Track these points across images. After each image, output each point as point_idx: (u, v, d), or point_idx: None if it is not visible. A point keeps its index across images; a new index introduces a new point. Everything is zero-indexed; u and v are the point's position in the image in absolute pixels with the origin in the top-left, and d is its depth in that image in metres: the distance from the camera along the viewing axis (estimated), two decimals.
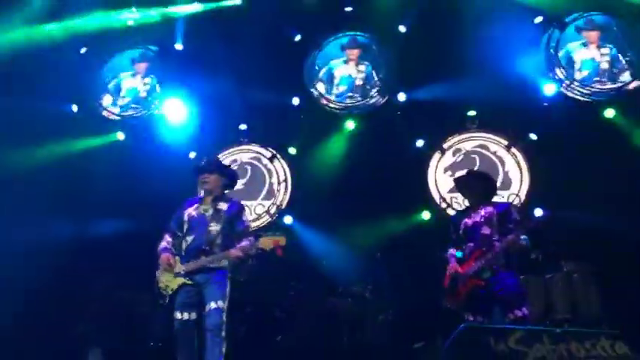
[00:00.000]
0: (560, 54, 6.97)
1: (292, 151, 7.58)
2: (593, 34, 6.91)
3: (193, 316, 4.21)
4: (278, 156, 7.58)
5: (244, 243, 4.26)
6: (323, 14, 7.74)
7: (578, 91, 6.85)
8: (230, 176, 4.59)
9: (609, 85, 6.72)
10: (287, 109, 7.59)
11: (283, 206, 7.39)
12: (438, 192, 7.00)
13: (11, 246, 6.06)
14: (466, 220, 4.54)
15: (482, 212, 4.49)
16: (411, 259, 6.53)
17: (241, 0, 7.81)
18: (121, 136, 7.77)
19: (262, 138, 7.70)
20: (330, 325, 6.10)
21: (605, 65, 6.80)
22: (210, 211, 4.31)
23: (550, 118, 6.79)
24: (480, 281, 4.25)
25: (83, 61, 7.97)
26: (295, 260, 6.82)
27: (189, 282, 4.20)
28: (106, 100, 7.97)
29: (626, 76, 6.69)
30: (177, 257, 4.28)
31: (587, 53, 6.91)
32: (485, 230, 4.38)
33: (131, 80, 8.04)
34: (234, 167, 7.60)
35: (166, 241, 4.38)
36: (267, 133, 7.68)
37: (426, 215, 6.93)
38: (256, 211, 7.42)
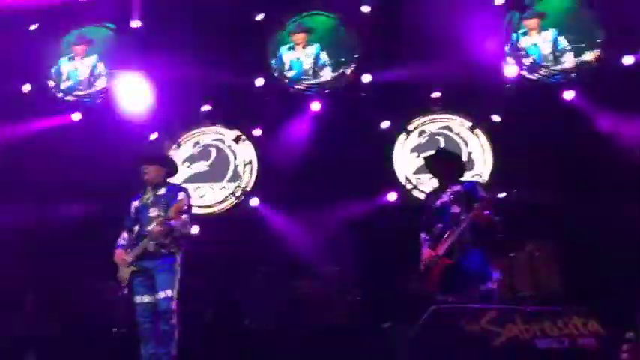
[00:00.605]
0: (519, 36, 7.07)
1: (257, 132, 7.45)
2: (533, 22, 7.00)
3: (152, 299, 4.40)
4: (243, 137, 7.44)
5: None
6: None
7: (538, 73, 6.97)
8: (170, 165, 4.80)
9: (564, 66, 6.85)
10: (251, 90, 7.44)
11: (249, 188, 7.29)
12: (404, 173, 7.04)
13: None
14: (436, 201, 4.57)
15: (450, 192, 4.53)
16: (377, 240, 6.58)
17: None
18: (76, 116, 7.46)
19: (226, 119, 7.53)
20: (297, 307, 6.11)
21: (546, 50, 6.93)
22: (151, 199, 4.52)
23: (512, 100, 6.90)
24: (450, 260, 4.29)
25: (34, 38, 7.57)
26: (261, 242, 6.80)
27: (136, 268, 4.42)
28: (51, 83, 7.62)
29: (568, 58, 6.81)
30: (128, 250, 4.51)
31: (530, 40, 7.01)
32: (455, 209, 4.43)
33: (71, 63, 7.69)
34: (198, 149, 7.46)
35: (122, 238, 4.62)
36: (231, 114, 7.52)
37: (392, 197, 6.97)
38: (221, 194, 7.29)
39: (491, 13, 7.13)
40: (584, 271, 5.66)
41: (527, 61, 6.97)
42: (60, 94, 7.66)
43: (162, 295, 4.34)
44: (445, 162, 4.76)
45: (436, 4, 6.94)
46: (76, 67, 7.73)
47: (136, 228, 4.51)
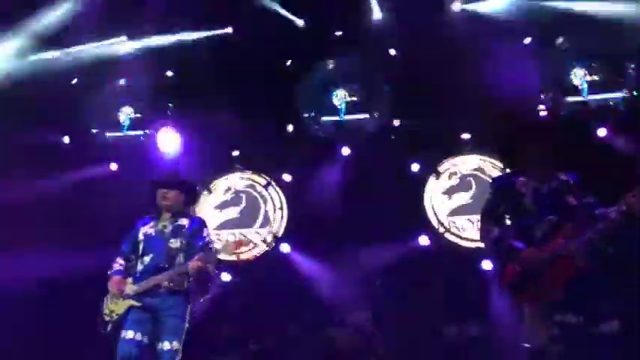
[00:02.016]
0: (551, 74, 7.00)
1: (287, 177, 7.49)
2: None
3: (146, 340, 3.71)
4: (273, 183, 7.49)
5: (201, 254, 3.88)
6: (314, 40, 7.74)
7: (572, 109, 6.86)
8: (191, 191, 4.26)
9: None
10: (280, 136, 7.53)
11: (280, 234, 7.28)
12: (436, 216, 6.92)
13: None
14: (533, 184, 3.45)
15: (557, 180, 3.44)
16: (410, 285, 6.43)
17: (232, 28, 7.81)
18: (113, 166, 7.68)
19: (256, 165, 7.61)
20: (328, 356, 5.96)
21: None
22: (170, 228, 3.97)
23: (545, 139, 6.74)
24: (584, 264, 3.11)
25: (75, 91, 7.91)
26: (293, 289, 6.72)
27: (138, 303, 3.73)
28: (98, 130, 7.88)
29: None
30: (129, 279, 3.86)
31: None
32: (571, 200, 3.34)
33: (121, 111, 7.98)
34: (229, 195, 7.53)
35: (118, 263, 3.98)
36: (261, 160, 7.60)
37: (424, 240, 6.84)
38: (252, 240, 7.29)
39: (520, 50, 7.11)
40: None
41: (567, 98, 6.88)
42: (106, 139, 7.88)
43: (167, 345, 3.64)
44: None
45: (465, 44, 6.96)
46: (126, 115, 8.00)
47: (147, 258, 3.87)
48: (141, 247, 3.95)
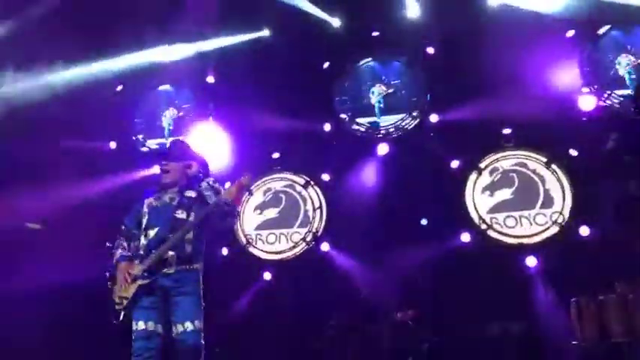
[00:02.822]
0: (596, 66, 6.80)
1: (326, 177, 7.54)
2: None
3: (160, 329, 3.37)
4: (312, 183, 7.55)
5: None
6: (350, 40, 7.77)
7: (617, 102, 6.64)
8: (200, 164, 3.80)
9: None
10: (318, 136, 7.59)
11: (319, 233, 7.32)
12: (477, 213, 6.81)
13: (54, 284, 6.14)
14: None
15: None
16: (452, 282, 6.35)
17: (269, 31, 7.94)
18: (157, 169, 7.87)
19: (295, 165, 7.68)
20: (371, 354, 5.94)
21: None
22: (177, 199, 3.61)
23: (590, 132, 6.58)
24: None
25: (120, 98, 8.20)
26: (333, 288, 6.74)
27: (147, 280, 3.36)
28: (142, 135, 8.15)
29: None
30: (136, 261, 3.49)
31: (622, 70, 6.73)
32: None
33: (165, 115, 8.22)
34: (269, 196, 7.62)
35: (121, 247, 3.57)
36: (300, 160, 7.66)
37: (466, 237, 6.74)
38: (293, 239, 7.37)
39: (561, 43, 6.94)
40: None
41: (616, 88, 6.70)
42: (144, 149, 8.14)
43: (189, 326, 3.30)
44: None
45: (503, 38, 6.83)
46: (169, 120, 8.25)
47: (152, 231, 3.50)
48: (145, 220, 3.59)
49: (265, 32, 7.93)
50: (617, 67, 6.80)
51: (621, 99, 6.67)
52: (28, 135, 6.90)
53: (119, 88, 8.23)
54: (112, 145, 8.14)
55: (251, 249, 7.39)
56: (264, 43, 7.92)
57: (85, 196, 7.21)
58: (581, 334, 5.25)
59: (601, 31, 6.90)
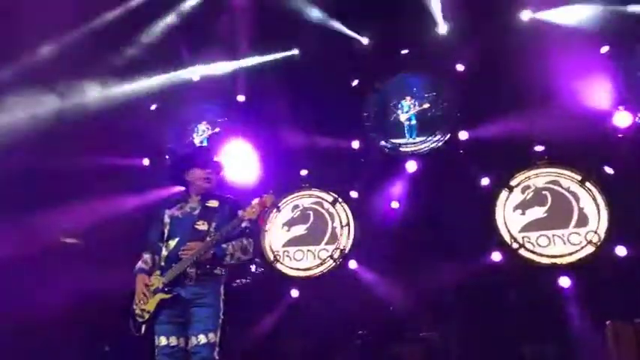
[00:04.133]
0: (631, 82, 6.64)
1: (354, 194, 7.52)
2: None
3: (182, 343, 3.34)
4: (340, 200, 7.54)
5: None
6: (379, 58, 7.80)
7: None
8: (220, 172, 3.87)
9: None
10: (347, 153, 7.60)
11: (347, 250, 7.28)
12: (509, 232, 6.66)
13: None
14: None
15: None
16: (483, 303, 6.20)
17: (299, 50, 8.05)
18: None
19: (323, 182, 7.70)
20: None
21: None
22: (198, 209, 3.59)
23: (626, 149, 6.39)
24: None
25: (154, 116, 8.41)
26: (360, 305, 6.67)
27: (168, 295, 3.34)
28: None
29: None
30: (157, 272, 3.47)
31: None
32: None
33: (197, 132, 8.39)
34: (297, 213, 7.64)
35: (142, 260, 3.58)
36: (328, 177, 7.68)
37: (496, 257, 6.59)
38: (320, 256, 7.35)
39: (594, 59, 6.79)
40: None
41: None
42: None
43: (202, 339, 3.27)
44: None
45: (534, 54, 6.74)
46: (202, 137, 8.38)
47: (173, 242, 3.48)
48: (166, 230, 3.57)
49: (295, 51, 8.05)
50: None
51: None
52: (66, 151, 7.13)
53: (153, 107, 8.44)
54: (145, 161, 8.32)
55: (278, 265, 7.40)
56: (294, 62, 8.04)
57: (120, 211, 7.38)
58: (618, 359, 5.04)
59: (636, 46, 6.71)
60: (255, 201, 3.53)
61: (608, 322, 5.14)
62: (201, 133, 8.41)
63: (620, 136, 6.56)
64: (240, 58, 8.10)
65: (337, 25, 7.65)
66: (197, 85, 8.30)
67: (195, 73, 8.28)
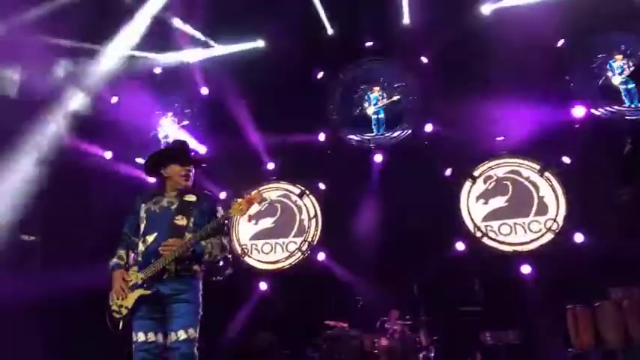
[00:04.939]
0: (586, 75, 6.89)
1: (321, 186, 7.55)
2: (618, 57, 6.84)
3: (160, 338, 3.30)
4: (307, 192, 7.56)
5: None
6: (344, 49, 7.82)
7: (608, 112, 6.72)
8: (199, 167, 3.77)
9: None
10: (313, 146, 7.61)
11: (315, 242, 7.32)
12: (472, 221, 6.84)
13: None
14: None
15: None
16: (447, 290, 6.36)
17: (264, 42, 7.98)
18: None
19: (290, 175, 7.70)
20: None
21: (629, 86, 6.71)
22: (176, 204, 3.49)
23: (582, 140, 6.64)
24: None
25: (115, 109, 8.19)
26: (329, 297, 6.73)
27: (149, 291, 3.28)
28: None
29: None
30: (134, 268, 3.40)
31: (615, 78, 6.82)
32: None
33: (160, 125, 8.24)
34: (264, 205, 7.61)
35: (117, 256, 3.48)
36: (295, 170, 7.68)
37: (460, 246, 6.76)
38: (288, 249, 7.37)
39: (553, 54, 7.00)
40: None
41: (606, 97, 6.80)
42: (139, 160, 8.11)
43: (182, 335, 3.21)
44: None
45: (497, 48, 6.89)
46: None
47: (150, 237, 3.38)
48: (143, 225, 3.46)
49: (259, 43, 7.98)
50: (608, 74, 6.87)
51: (613, 109, 6.72)
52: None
53: (114, 99, 8.22)
54: (108, 155, 8.12)
55: (246, 258, 7.38)
56: (259, 53, 7.96)
57: (84, 205, 7.19)
58: (577, 341, 5.27)
59: (589, 39, 6.96)
60: (243, 198, 3.43)
61: (567, 307, 5.36)
62: (165, 128, 8.26)
63: (576, 126, 6.79)
64: (205, 49, 7.97)
65: (303, 18, 7.60)
66: (159, 76, 8.12)
67: (157, 64, 8.10)
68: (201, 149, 7.72)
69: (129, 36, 7.55)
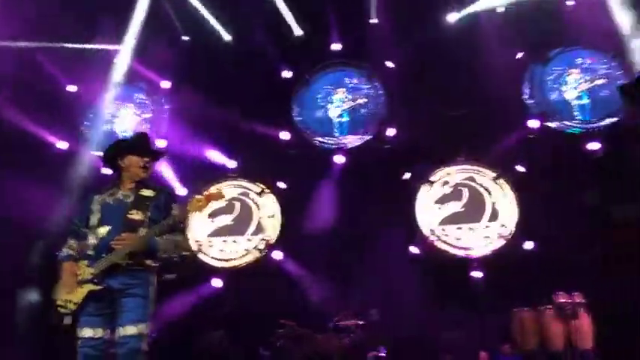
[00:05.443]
0: (543, 89, 7.11)
1: (282, 185, 7.54)
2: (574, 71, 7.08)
3: (107, 334, 3.21)
4: (267, 190, 7.53)
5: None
6: (311, 50, 7.85)
7: (562, 125, 6.97)
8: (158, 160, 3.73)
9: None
10: (276, 144, 7.60)
11: (272, 241, 7.30)
12: (428, 225, 6.95)
13: None
14: None
15: None
16: (401, 292, 6.45)
17: (231, 36, 7.92)
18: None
19: (251, 173, 7.66)
20: None
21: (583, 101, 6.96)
22: (132, 197, 3.41)
23: (536, 150, 6.86)
24: None
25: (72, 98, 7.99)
26: (284, 296, 6.73)
27: (99, 287, 3.18)
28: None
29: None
30: (84, 262, 3.29)
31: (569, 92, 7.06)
32: None
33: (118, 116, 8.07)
34: (223, 203, 7.53)
35: (68, 246, 3.37)
36: (256, 168, 7.64)
37: (415, 249, 6.87)
38: (245, 247, 7.33)
39: (514, 64, 7.20)
40: (620, 328, 5.37)
41: (556, 113, 7.04)
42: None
43: (130, 330, 3.13)
44: None
45: (460, 56, 7.05)
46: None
47: (103, 230, 3.29)
48: (96, 218, 3.36)
49: (227, 37, 7.92)
50: (563, 88, 7.11)
51: (566, 123, 6.96)
52: None
53: (73, 88, 8.01)
54: (64, 145, 7.90)
55: (201, 256, 7.29)
56: (225, 48, 7.90)
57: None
58: (522, 344, 5.42)
59: (549, 53, 7.19)
60: (201, 195, 3.37)
61: (514, 310, 5.52)
62: (129, 118, 8.09)
63: (531, 137, 7.00)
64: (168, 41, 7.86)
65: (272, 16, 7.58)
66: (120, 67, 7.94)
67: (118, 54, 7.92)
68: (162, 143, 7.59)
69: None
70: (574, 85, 7.06)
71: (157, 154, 3.64)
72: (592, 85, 6.96)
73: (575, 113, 6.97)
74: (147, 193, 3.44)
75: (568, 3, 6.99)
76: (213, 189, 3.54)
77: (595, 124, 6.81)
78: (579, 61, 7.12)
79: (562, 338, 5.33)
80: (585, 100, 7.00)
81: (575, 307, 5.37)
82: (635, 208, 5.73)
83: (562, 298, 5.43)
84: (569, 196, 6.38)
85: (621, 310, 5.42)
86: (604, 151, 6.20)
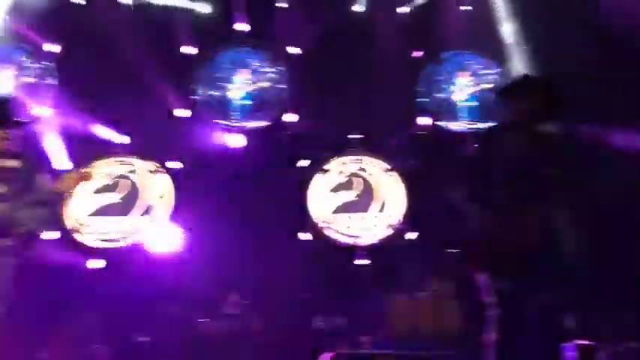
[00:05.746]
0: (434, 88, 7.45)
1: (176, 165, 7.31)
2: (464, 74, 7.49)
3: None
4: (160, 169, 7.27)
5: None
6: (216, 28, 7.64)
7: (450, 123, 7.36)
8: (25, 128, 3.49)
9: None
10: (172, 123, 7.34)
11: (162, 222, 7.06)
12: (319, 212, 7.07)
13: None
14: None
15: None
16: (288, 277, 6.52)
17: (132, 5, 7.49)
18: None
19: (143, 150, 7.34)
20: (201, 349, 5.86)
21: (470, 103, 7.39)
22: None
23: (426, 146, 7.19)
24: None
25: None
26: (169, 281, 6.55)
27: None
28: None
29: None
30: None
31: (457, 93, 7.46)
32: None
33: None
34: (110, 180, 7.17)
35: None
36: (149, 145, 7.34)
37: (306, 235, 6.96)
38: (133, 226, 7.03)
39: (411, 63, 7.46)
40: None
41: (445, 112, 7.37)
42: None
43: None
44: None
45: (360, 48, 7.19)
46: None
47: None
48: None
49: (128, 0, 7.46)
50: (452, 89, 7.50)
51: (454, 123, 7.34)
52: None
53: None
54: None
55: (77, 235, 6.89)
56: (124, 17, 7.46)
57: None
58: (398, 328, 5.68)
59: (442, 55, 7.54)
60: (73, 173, 3.27)
61: (392, 296, 5.78)
62: (6, 81, 7.41)
63: (422, 133, 7.33)
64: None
65: None
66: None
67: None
68: (47, 112, 7.05)
69: None
70: (462, 87, 7.47)
71: (22, 123, 3.39)
72: (479, 88, 7.40)
73: (462, 114, 7.38)
74: (11, 163, 3.21)
75: (462, 8, 7.36)
76: (86, 169, 3.35)
77: (478, 126, 7.25)
78: (469, 65, 7.53)
79: (434, 323, 5.63)
80: (472, 103, 7.43)
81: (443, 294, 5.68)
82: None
83: (435, 286, 5.76)
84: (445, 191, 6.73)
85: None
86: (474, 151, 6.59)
